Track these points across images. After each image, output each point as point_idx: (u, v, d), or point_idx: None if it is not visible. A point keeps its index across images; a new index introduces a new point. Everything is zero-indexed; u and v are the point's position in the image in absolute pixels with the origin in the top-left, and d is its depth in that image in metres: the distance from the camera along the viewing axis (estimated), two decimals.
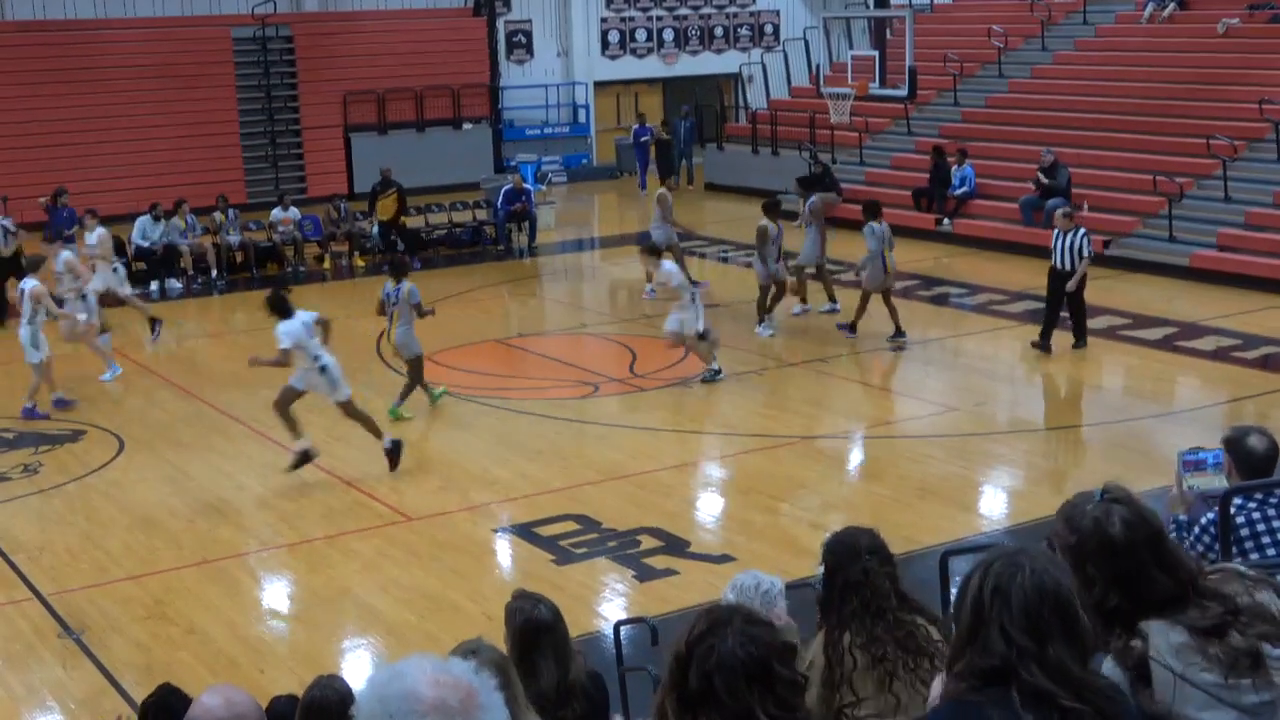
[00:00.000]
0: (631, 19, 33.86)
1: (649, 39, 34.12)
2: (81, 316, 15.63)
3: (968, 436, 13.04)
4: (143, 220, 21.36)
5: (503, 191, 23.97)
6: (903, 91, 23.31)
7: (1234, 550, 4.99)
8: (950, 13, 30.90)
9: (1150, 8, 26.14)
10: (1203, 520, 5.13)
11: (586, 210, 29.81)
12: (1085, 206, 21.24)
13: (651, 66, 34.23)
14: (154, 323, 17.79)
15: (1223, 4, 25.18)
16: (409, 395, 13.96)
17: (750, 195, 24.57)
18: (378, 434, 12.48)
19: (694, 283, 19.44)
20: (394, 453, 12.38)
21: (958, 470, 12.16)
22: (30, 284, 14.52)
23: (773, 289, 17.01)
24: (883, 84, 23.44)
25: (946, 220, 22.95)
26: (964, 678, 2.82)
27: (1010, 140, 24.05)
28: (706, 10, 34.66)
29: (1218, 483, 5.26)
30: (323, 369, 12.03)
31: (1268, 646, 3.06)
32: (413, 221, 23.63)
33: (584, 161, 32.65)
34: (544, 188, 28.90)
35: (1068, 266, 15.14)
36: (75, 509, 11.88)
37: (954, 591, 5.39)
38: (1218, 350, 15.75)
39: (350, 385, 12.45)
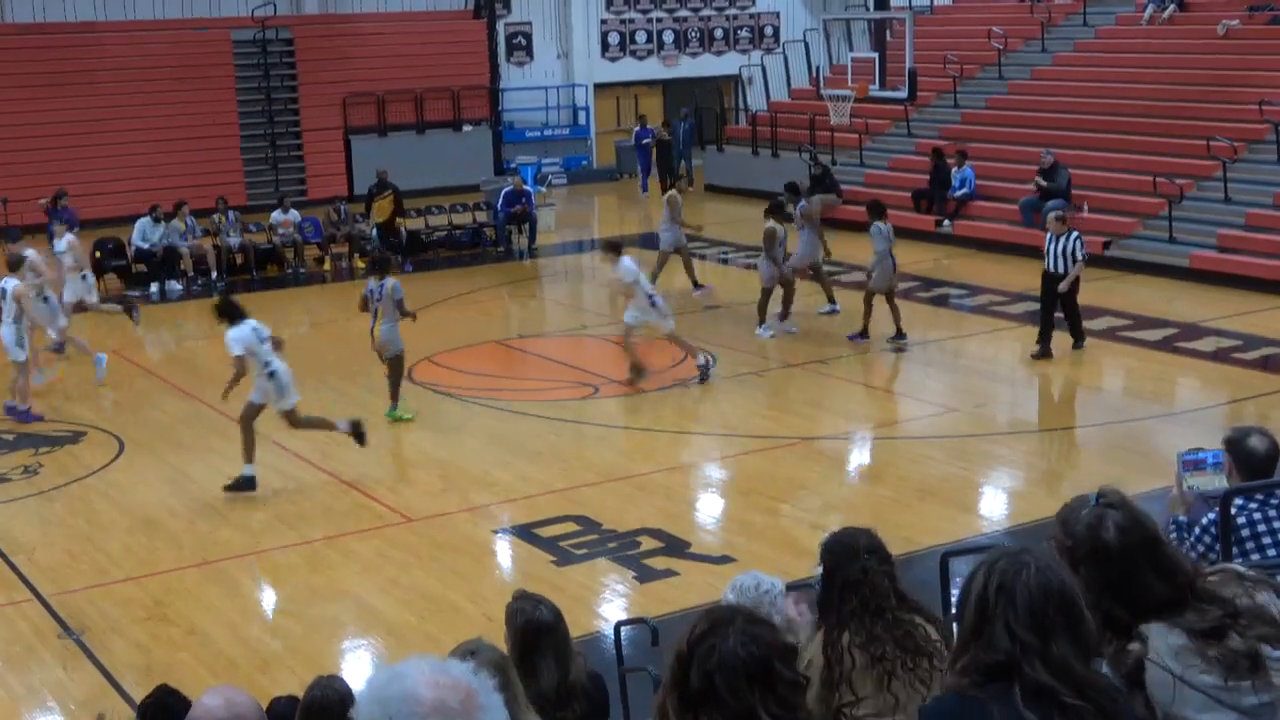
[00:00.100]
0: (631, 21, 33.87)
1: (649, 41, 34.14)
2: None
3: (968, 438, 13.04)
4: (143, 222, 21.36)
5: (503, 193, 23.98)
6: (902, 93, 23.32)
7: (1234, 551, 4.99)
8: (950, 14, 30.91)
9: (1150, 9, 26.14)
10: (1203, 521, 5.13)
11: (586, 212, 29.81)
12: (1085, 208, 21.25)
13: (651, 68, 34.24)
14: (131, 311, 17.60)
15: (1223, 5, 25.18)
16: (399, 394, 13.88)
17: (750, 197, 24.60)
18: (331, 426, 12.40)
19: (698, 285, 19.55)
20: (357, 431, 12.28)
21: (958, 471, 12.16)
22: (11, 283, 14.48)
23: (780, 291, 16.97)
24: (883, 86, 23.45)
25: (946, 222, 22.95)
26: (967, 673, 2.83)
27: (1010, 142, 24.05)
28: (706, 12, 34.67)
29: (1217, 483, 5.26)
30: (271, 374, 11.87)
31: (1267, 648, 3.06)
32: (413, 224, 23.65)
33: (584, 163, 32.66)
34: (544, 190, 28.90)
35: (1061, 270, 15.12)
36: (75, 510, 11.88)
37: (954, 593, 5.40)
38: (1218, 351, 15.75)
39: (298, 394, 12.26)
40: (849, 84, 23.96)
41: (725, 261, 22.23)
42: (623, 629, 7.90)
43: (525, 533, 11.01)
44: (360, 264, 22.57)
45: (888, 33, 26.07)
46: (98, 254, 21.28)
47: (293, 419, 12.22)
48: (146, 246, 21.24)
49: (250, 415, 12.02)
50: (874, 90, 23.45)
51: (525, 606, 4.96)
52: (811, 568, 4.65)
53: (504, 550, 11.03)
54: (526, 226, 23.86)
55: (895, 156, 25.87)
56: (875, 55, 24.19)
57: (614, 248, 15.43)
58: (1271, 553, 5.02)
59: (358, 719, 2.29)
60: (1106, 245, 20.33)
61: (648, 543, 10.64)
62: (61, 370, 16.29)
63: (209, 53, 28.00)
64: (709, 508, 12.00)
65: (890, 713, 4.25)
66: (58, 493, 12.32)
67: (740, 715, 2.86)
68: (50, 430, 14.12)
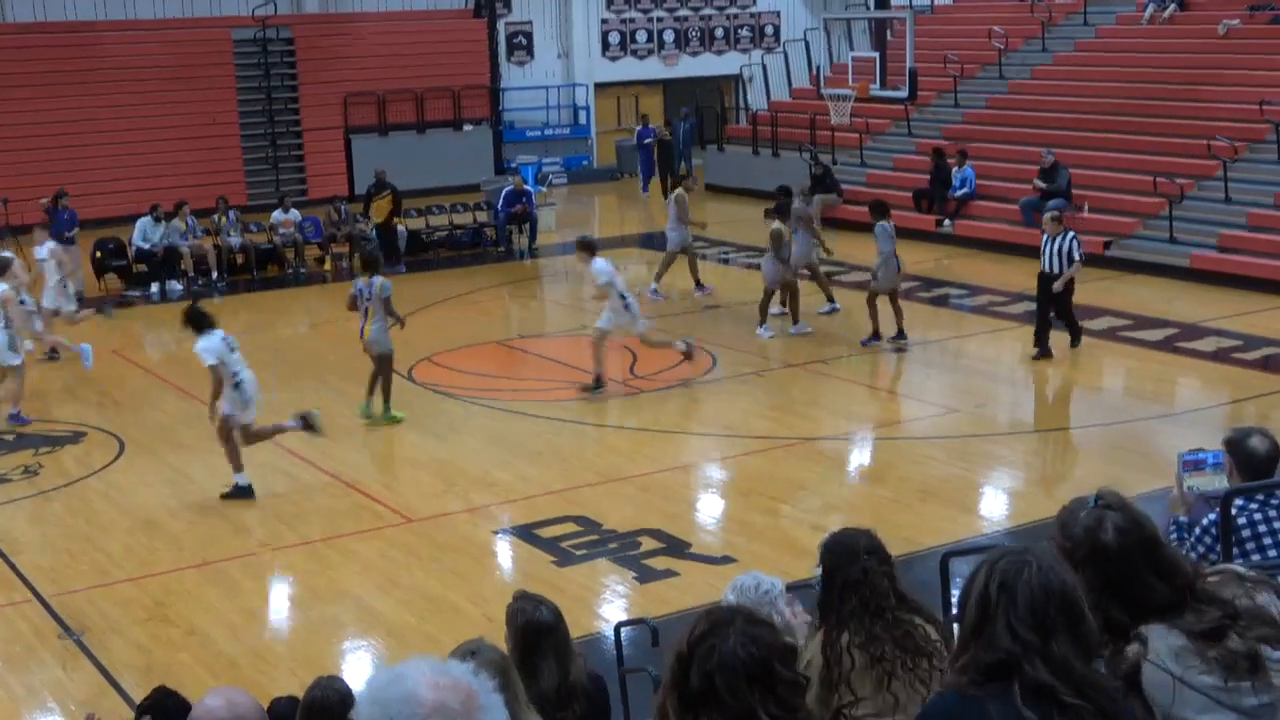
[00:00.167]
0: (632, 20, 33.88)
1: (649, 40, 34.14)
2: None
3: (968, 438, 13.03)
4: (143, 222, 21.35)
5: (503, 193, 23.98)
6: (903, 93, 23.33)
7: (1235, 551, 4.99)
8: (950, 14, 30.90)
9: (1150, 9, 26.14)
10: (1204, 521, 5.13)
11: (587, 212, 29.81)
12: (1086, 207, 21.26)
13: (652, 68, 34.24)
14: (102, 308, 17.29)
15: (1223, 5, 25.17)
16: (389, 394, 13.80)
17: (750, 197, 24.59)
18: (282, 429, 12.23)
19: (700, 286, 19.54)
20: (308, 424, 12.09)
21: (958, 472, 12.16)
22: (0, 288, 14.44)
23: (786, 292, 16.95)
24: (883, 85, 23.46)
25: (947, 221, 22.95)
26: (966, 671, 2.83)
27: (1010, 141, 24.05)
28: (707, 11, 34.68)
29: (1218, 483, 5.26)
30: (238, 385, 11.73)
31: (1267, 649, 3.06)
32: (413, 223, 23.66)
33: (584, 163, 32.67)
34: (544, 189, 28.91)
35: (1056, 270, 15.10)
36: (75, 511, 11.88)
37: (955, 593, 5.40)
38: (1218, 351, 15.75)
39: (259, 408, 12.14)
40: (850, 83, 23.97)
41: (726, 261, 22.22)
42: (623, 629, 7.90)
43: (525, 533, 11.01)
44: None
45: (888, 32, 26.09)
46: (98, 253, 21.31)
47: (248, 433, 11.97)
48: (147, 246, 21.23)
49: (228, 427, 11.90)
50: (874, 90, 23.46)
51: (525, 607, 4.96)
52: (812, 568, 4.64)
53: (504, 551, 11.02)
54: (527, 226, 23.86)
55: (896, 156, 25.86)
56: (876, 55, 24.21)
57: (587, 247, 15.11)
58: (1272, 553, 5.02)
59: None
60: (1107, 245, 20.33)
61: (648, 543, 10.64)
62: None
63: (209, 52, 28.00)
64: (709, 508, 12.00)
65: (890, 713, 4.25)
66: (58, 493, 12.32)
67: (740, 716, 2.86)
68: (50, 431, 14.13)
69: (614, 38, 33.73)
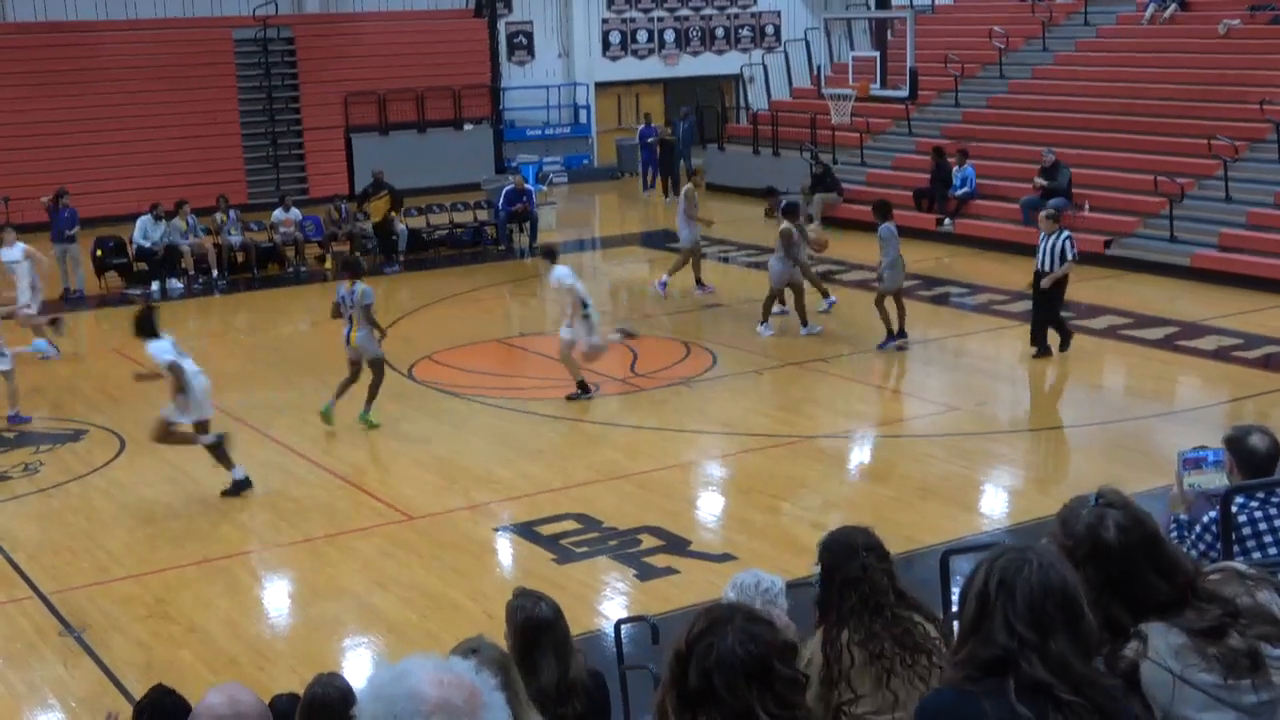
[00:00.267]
0: (632, 20, 33.88)
1: (650, 40, 34.14)
2: None
3: (969, 436, 13.04)
4: (144, 220, 21.35)
5: (504, 192, 23.98)
6: (904, 92, 23.32)
7: (1235, 549, 4.99)
8: (951, 13, 30.90)
9: (1151, 9, 26.14)
10: (1204, 519, 5.13)
11: (587, 211, 29.81)
12: (1086, 206, 21.26)
13: (653, 67, 34.24)
14: (55, 322, 16.96)
15: (1224, 5, 25.18)
16: (375, 397, 13.69)
17: (751, 196, 24.56)
18: (196, 442, 11.98)
19: (700, 285, 19.54)
20: (218, 451, 11.87)
21: (959, 470, 12.16)
22: None
23: (794, 293, 16.94)
24: (884, 85, 23.44)
25: (947, 220, 22.95)
26: (963, 667, 2.83)
27: (1011, 141, 24.05)
28: (708, 11, 34.68)
29: (1218, 481, 5.26)
30: (183, 389, 11.67)
31: (1267, 647, 3.06)
32: (414, 222, 23.66)
33: (585, 162, 32.66)
34: (545, 188, 28.89)
35: (1049, 269, 15.10)
36: (76, 508, 11.88)
37: (955, 591, 5.40)
38: (1219, 350, 15.75)
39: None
40: (850, 83, 23.94)
41: (726, 260, 22.22)
42: (623, 627, 7.91)
43: (526, 530, 11.01)
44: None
45: (889, 32, 26.08)
46: (99, 252, 21.32)
47: (167, 430, 11.86)
48: (147, 245, 21.24)
49: (198, 432, 11.83)
50: (875, 89, 23.44)
51: (525, 603, 4.96)
52: (811, 566, 4.65)
53: (504, 548, 11.03)
54: (527, 225, 23.86)
55: (896, 155, 25.86)
56: (876, 54, 24.19)
57: (549, 253, 14.95)
58: (1272, 551, 5.02)
59: (361, 717, 2.29)
60: (1108, 244, 20.34)
61: (648, 541, 10.65)
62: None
63: (210, 51, 28.00)
64: (710, 506, 12.00)
65: (889, 710, 4.26)
66: (58, 491, 12.33)
67: (739, 714, 2.86)
68: (51, 428, 14.13)
69: (614, 37, 33.73)
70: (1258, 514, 5.08)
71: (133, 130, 26.80)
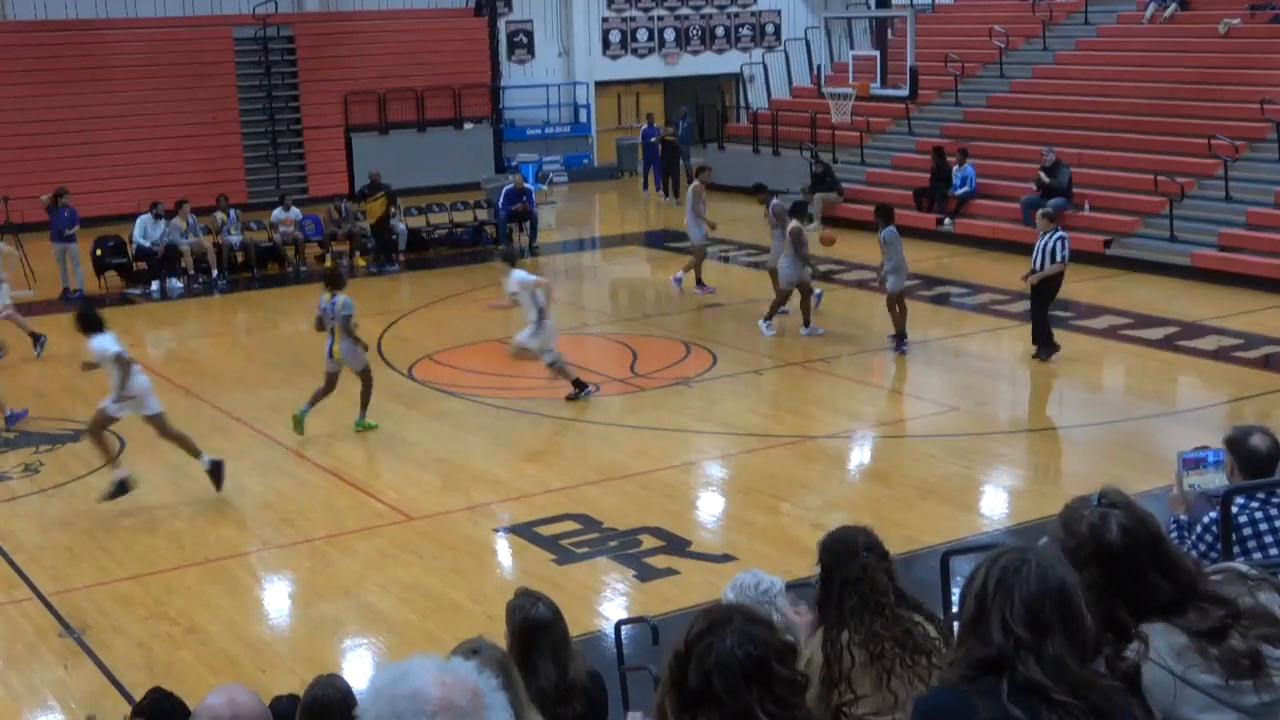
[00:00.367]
0: (633, 19, 33.87)
1: (650, 39, 34.13)
2: None
3: (969, 436, 13.04)
4: (144, 220, 21.36)
5: (504, 191, 23.99)
6: (904, 91, 23.31)
7: (1235, 550, 4.99)
8: (951, 13, 30.91)
9: (1152, 8, 26.14)
10: (1204, 520, 5.13)
11: (587, 210, 29.81)
12: (1087, 206, 21.26)
13: (653, 66, 34.24)
14: (36, 338, 16.89)
15: (1224, 4, 25.18)
16: (368, 404, 13.66)
17: (751, 195, 24.53)
18: (106, 451, 12.03)
19: (701, 285, 19.54)
20: (120, 487, 11.72)
21: (959, 470, 12.16)
22: None
23: (803, 293, 16.92)
24: (884, 84, 23.45)
25: (947, 220, 22.96)
26: (959, 666, 2.83)
27: (1011, 140, 24.05)
28: (708, 10, 34.67)
29: (1218, 481, 5.26)
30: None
31: (1268, 648, 3.06)
32: (414, 221, 23.67)
33: (585, 161, 32.66)
34: (545, 187, 28.89)
35: (1041, 268, 15.07)
36: (76, 508, 11.88)
37: (955, 592, 5.40)
38: (1219, 350, 15.75)
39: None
40: (850, 82, 23.95)
41: (726, 260, 22.22)
42: (623, 628, 7.91)
43: (526, 531, 11.01)
44: (360, 262, 22.61)
45: (889, 31, 26.07)
46: (98, 251, 21.32)
47: (97, 424, 11.85)
48: (147, 244, 21.24)
49: (104, 420, 11.78)
50: (875, 88, 23.44)
51: (524, 604, 4.96)
52: (812, 566, 4.64)
53: (504, 549, 11.02)
54: (527, 224, 23.88)
55: (896, 155, 25.87)
56: (876, 53, 24.18)
57: (507, 258, 14.68)
58: (1273, 552, 5.02)
59: (364, 718, 2.29)
60: (1108, 244, 20.34)
61: (648, 541, 10.64)
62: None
63: (210, 50, 28.01)
64: (710, 506, 12.00)
65: (889, 710, 4.25)
66: (58, 491, 12.33)
67: (738, 715, 2.85)
68: (51, 428, 14.13)
69: (615, 36, 33.73)
70: (1258, 514, 5.08)
71: (133, 129, 26.80)
